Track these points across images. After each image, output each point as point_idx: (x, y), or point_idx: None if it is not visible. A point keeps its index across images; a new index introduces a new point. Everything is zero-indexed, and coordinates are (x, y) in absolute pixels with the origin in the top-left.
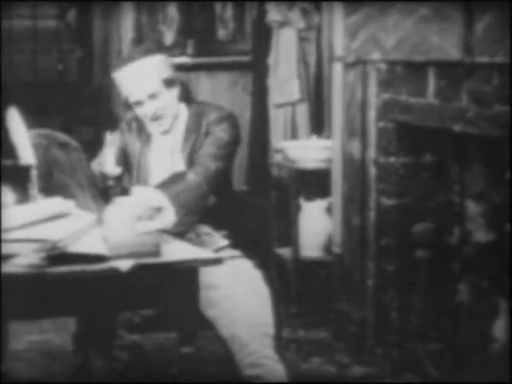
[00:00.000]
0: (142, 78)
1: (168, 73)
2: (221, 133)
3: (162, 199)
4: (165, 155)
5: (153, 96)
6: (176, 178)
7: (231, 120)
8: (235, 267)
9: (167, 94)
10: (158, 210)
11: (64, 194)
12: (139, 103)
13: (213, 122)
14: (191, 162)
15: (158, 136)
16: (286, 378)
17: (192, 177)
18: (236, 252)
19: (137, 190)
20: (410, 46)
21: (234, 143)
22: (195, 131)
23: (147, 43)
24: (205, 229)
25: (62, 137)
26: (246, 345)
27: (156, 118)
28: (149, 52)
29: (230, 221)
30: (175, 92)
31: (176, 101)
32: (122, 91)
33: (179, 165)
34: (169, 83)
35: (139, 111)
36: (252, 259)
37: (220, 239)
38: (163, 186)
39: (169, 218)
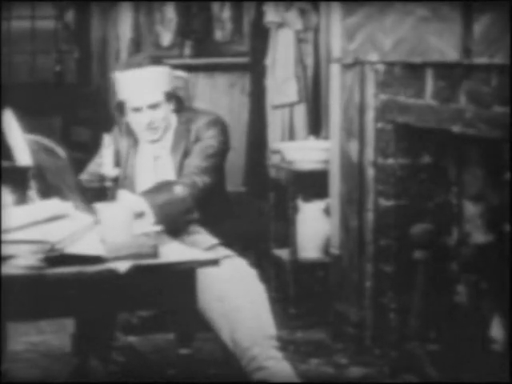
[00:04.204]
0: (146, 87)
1: (170, 86)
2: (209, 140)
3: (144, 205)
4: (150, 162)
5: (153, 106)
6: (163, 187)
7: (220, 125)
8: (231, 268)
9: (166, 106)
10: (140, 215)
11: (58, 195)
12: (137, 110)
13: (202, 128)
14: (181, 168)
15: (146, 143)
16: (294, 374)
17: (178, 189)
18: (228, 251)
19: (122, 194)
20: (408, 47)
21: (222, 151)
22: (184, 137)
23: (149, 50)
24: (195, 228)
25: (50, 143)
26: (248, 349)
27: (150, 128)
28: (156, 61)
29: (224, 225)
30: (172, 105)
31: (170, 113)
32: (120, 94)
33: (165, 171)
34: (169, 97)
35: (134, 118)
36: (249, 260)
37: (211, 238)
38: (149, 193)
39: (148, 224)
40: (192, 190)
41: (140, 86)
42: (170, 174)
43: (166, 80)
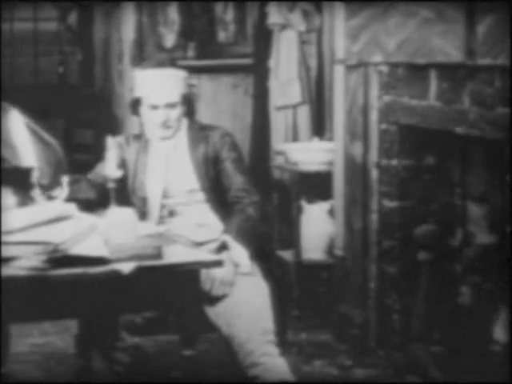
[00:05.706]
0: (166, 86)
1: (186, 90)
2: (233, 153)
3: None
4: (161, 160)
5: (170, 106)
6: (232, 214)
7: (232, 136)
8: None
9: (181, 108)
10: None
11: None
12: (155, 107)
13: (219, 142)
14: (199, 166)
15: (156, 142)
16: (288, 371)
17: (250, 210)
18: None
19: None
20: (412, 49)
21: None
22: (204, 142)
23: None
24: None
25: (48, 137)
26: (245, 344)
27: (165, 126)
28: (175, 64)
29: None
30: (184, 109)
31: (183, 116)
32: (139, 91)
33: (176, 170)
34: (185, 99)
35: (151, 115)
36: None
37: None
38: (225, 221)
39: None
40: (259, 209)
41: (160, 85)
42: (180, 174)
43: (183, 83)
